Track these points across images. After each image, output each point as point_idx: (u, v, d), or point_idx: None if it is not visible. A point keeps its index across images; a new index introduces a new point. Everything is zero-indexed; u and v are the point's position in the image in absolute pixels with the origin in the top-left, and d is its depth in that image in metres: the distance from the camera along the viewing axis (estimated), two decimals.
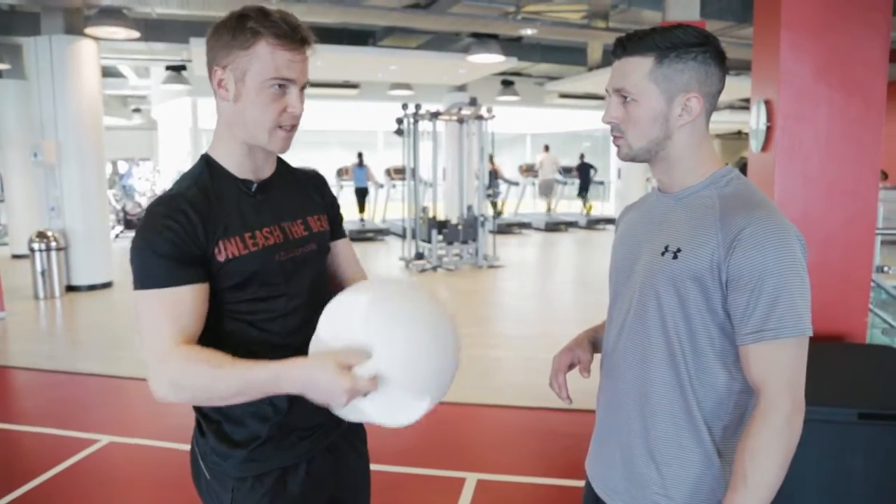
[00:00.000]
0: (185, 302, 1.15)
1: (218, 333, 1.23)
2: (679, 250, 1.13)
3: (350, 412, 1.14)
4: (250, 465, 1.26)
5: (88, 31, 7.60)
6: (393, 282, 1.27)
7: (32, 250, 7.52)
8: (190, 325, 1.16)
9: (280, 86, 1.19)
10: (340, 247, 1.48)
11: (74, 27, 7.64)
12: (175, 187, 1.24)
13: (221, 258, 1.19)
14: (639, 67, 1.14)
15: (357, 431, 1.49)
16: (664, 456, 1.17)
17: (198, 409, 1.30)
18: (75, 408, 4.18)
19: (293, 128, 1.25)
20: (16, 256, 10.24)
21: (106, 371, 4.84)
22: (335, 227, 1.47)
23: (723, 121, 16.59)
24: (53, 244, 7.54)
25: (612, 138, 1.23)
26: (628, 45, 1.15)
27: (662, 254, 1.15)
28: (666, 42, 1.12)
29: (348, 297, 1.19)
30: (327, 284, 1.42)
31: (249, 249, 1.22)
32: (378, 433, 4.00)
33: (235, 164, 1.27)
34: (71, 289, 7.80)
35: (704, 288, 1.11)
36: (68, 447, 3.49)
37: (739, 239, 1.07)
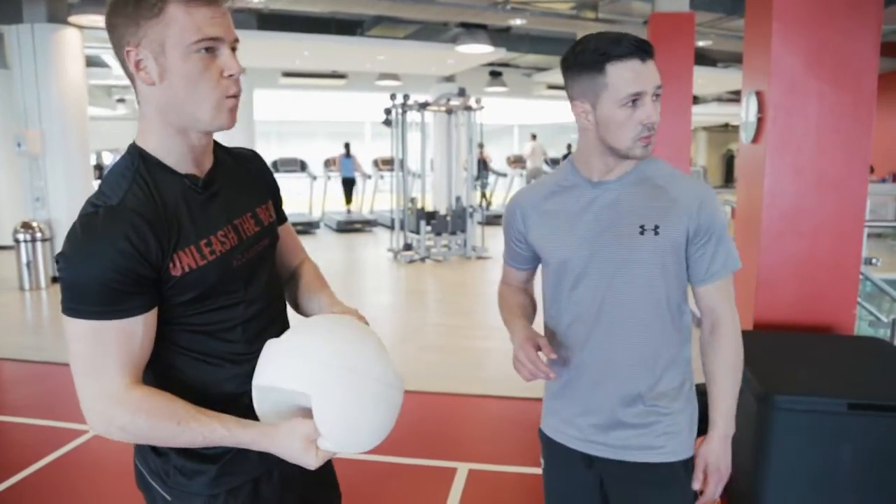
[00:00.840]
0: (134, 333, 1.02)
1: (174, 346, 1.12)
2: (657, 227, 1.32)
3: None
4: (223, 479, 1.16)
5: (72, 19, 7.49)
6: (329, 322, 1.17)
7: (17, 241, 7.43)
8: (140, 359, 1.05)
9: (207, 49, 1.02)
10: (284, 233, 1.35)
11: (57, 15, 7.53)
12: (110, 191, 1.04)
13: (177, 272, 1.05)
14: (655, 67, 1.31)
15: None
16: (668, 401, 1.40)
17: None
18: (62, 399, 4.14)
19: (237, 95, 1.07)
20: (1, 248, 10.10)
21: None
22: (278, 211, 1.34)
23: (710, 113, 16.66)
24: (39, 235, 7.46)
25: (648, 138, 1.31)
26: (649, 48, 1.29)
27: (642, 233, 1.32)
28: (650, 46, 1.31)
29: (284, 345, 1.10)
30: (279, 278, 1.34)
31: (207, 259, 1.09)
32: None
33: (174, 157, 1.09)
34: (57, 280, 7.71)
35: (677, 250, 1.35)
36: (56, 438, 3.47)
37: (702, 205, 1.33)
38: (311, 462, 1.05)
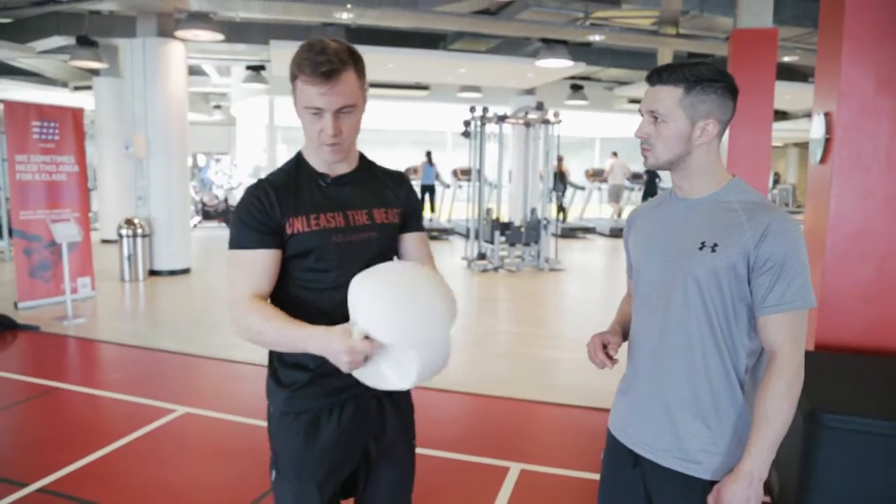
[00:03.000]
0: (258, 263, 1.46)
1: (286, 294, 1.52)
2: (716, 245, 1.37)
3: (362, 374, 1.41)
4: (293, 402, 1.55)
5: (178, 33, 8.13)
6: (389, 265, 1.51)
7: (121, 236, 8.09)
8: (262, 281, 1.46)
9: (314, 113, 1.44)
10: (411, 239, 1.68)
11: (165, 30, 8.20)
12: (269, 175, 1.56)
13: (290, 231, 1.48)
14: (671, 95, 1.38)
15: (403, 394, 1.68)
16: (711, 415, 1.41)
17: (269, 356, 1.60)
18: (155, 380, 4.54)
19: (333, 144, 1.48)
20: (105, 241, 10.98)
21: (181, 349, 5.22)
22: (409, 221, 1.68)
23: (800, 129, 15.98)
24: (139, 231, 8.09)
25: (640, 149, 1.46)
26: (663, 74, 1.39)
27: (700, 248, 1.38)
28: (693, 76, 1.37)
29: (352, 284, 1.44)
30: None
31: (311, 228, 1.49)
32: (430, 420, 4.18)
33: (316, 161, 1.55)
34: (153, 273, 8.35)
35: (737, 273, 1.36)
36: (148, 414, 3.83)
37: (767, 232, 1.33)
38: (342, 346, 1.32)
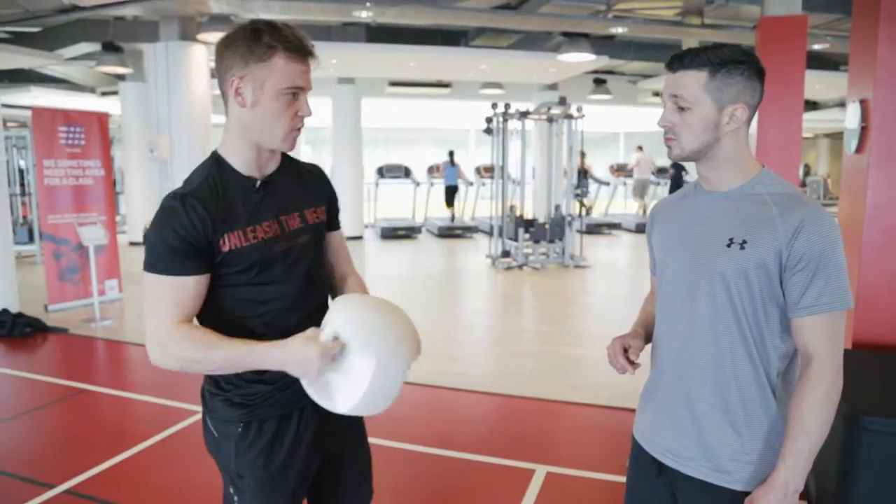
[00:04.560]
0: (187, 289, 1.33)
1: (220, 308, 1.41)
2: (745, 242, 1.28)
3: (318, 387, 1.36)
4: (254, 412, 1.46)
5: (200, 36, 8.20)
6: (362, 296, 1.50)
7: (146, 238, 8.16)
8: (189, 307, 1.34)
9: (293, 94, 1.35)
10: (334, 238, 1.63)
11: (188, 33, 8.28)
12: (187, 184, 1.39)
13: (225, 248, 1.35)
14: (695, 80, 1.30)
15: None
16: (741, 420, 1.32)
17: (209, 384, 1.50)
18: (179, 381, 4.54)
19: (300, 128, 1.40)
20: (133, 244, 11.11)
21: None
22: (333, 219, 1.62)
23: (832, 119, 15.61)
24: None
25: (664, 140, 1.37)
26: (685, 59, 1.31)
27: (728, 245, 1.30)
28: (718, 58, 1.28)
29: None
30: (322, 273, 1.59)
31: (249, 241, 1.38)
32: (454, 420, 4.12)
33: (243, 162, 1.41)
34: None
35: (768, 271, 1.27)
36: (174, 415, 3.85)
37: (801, 228, 1.24)
38: (314, 349, 1.27)
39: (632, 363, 1.46)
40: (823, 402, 1.25)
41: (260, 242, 1.40)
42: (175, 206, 1.33)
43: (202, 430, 1.56)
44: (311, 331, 1.33)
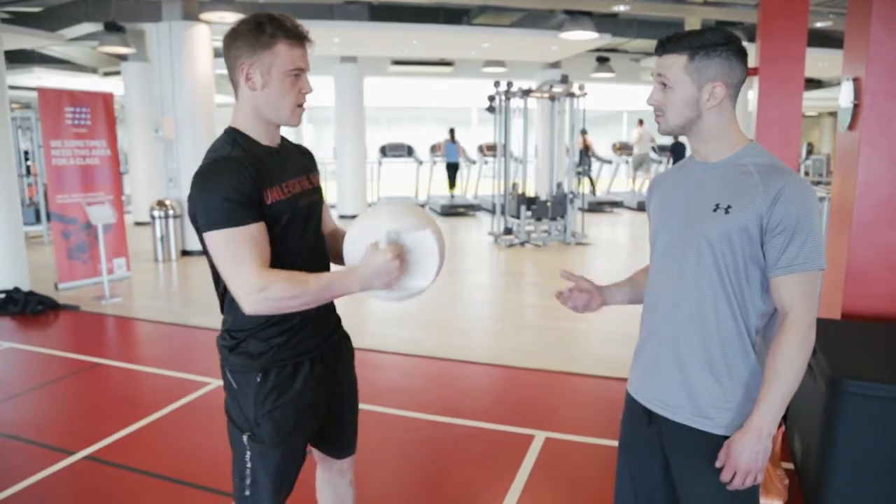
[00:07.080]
0: (259, 236, 1.47)
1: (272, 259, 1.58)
2: (729, 207, 1.40)
3: (398, 286, 1.58)
4: (279, 354, 1.62)
5: (202, 16, 8.19)
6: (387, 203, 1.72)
7: (153, 218, 8.29)
8: (266, 253, 1.48)
9: (296, 74, 1.54)
10: (323, 204, 1.85)
11: (191, 13, 8.30)
12: (221, 150, 1.53)
13: (269, 201, 1.52)
14: (676, 62, 1.44)
15: (345, 343, 1.86)
16: (723, 371, 1.45)
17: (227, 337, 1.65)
18: (189, 355, 4.69)
19: (303, 104, 1.60)
20: (139, 224, 11.23)
21: (214, 325, 5.31)
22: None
23: (835, 98, 15.54)
24: (171, 212, 8.28)
25: (654, 116, 1.51)
26: (667, 45, 1.46)
27: (714, 210, 1.42)
28: (696, 43, 1.42)
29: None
30: (321, 228, 1.79)
31: (284, 195, 1.56)
32: (459, 390, 4.24)
33: (258, 134, 1.59)
34: (185, 253, 8.56)
35: (750, 235, 1.39)
36: (184, 387, 3.98)
37: (780, 195, 1.36)
38: (386, 254, 1.49)
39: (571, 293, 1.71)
40: (796, 354, 1.37)
41: (291, 197, 1.58)
42: (225, 166, 1.47)
43: (223, 386, 1.70)
44: (370, 246, 1.52)
